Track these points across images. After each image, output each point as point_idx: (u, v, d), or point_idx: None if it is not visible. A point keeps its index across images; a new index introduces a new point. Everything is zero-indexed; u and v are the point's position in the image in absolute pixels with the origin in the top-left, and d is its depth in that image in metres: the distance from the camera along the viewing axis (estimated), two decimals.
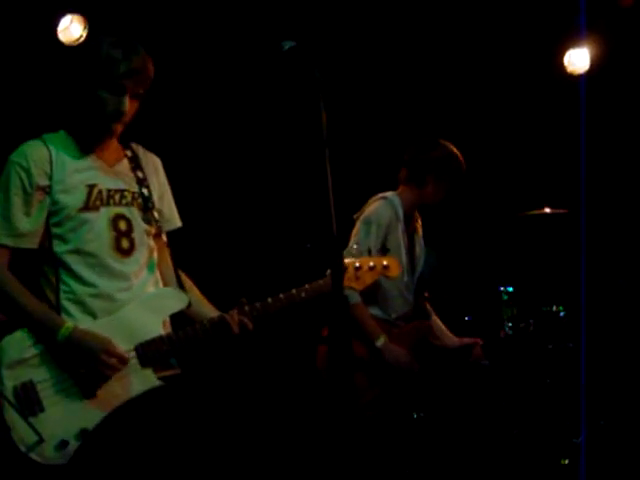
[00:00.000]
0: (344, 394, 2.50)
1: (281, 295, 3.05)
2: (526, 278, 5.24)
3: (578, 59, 5.54)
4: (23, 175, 2.89)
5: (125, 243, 2.97)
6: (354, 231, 4.22)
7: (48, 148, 2.94)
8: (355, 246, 3.94)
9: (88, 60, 2.92)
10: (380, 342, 4.12)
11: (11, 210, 2.89)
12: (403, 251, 4.23)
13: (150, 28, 4.96)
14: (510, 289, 4.94)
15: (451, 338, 4.52)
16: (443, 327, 4.54)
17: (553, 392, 4.90)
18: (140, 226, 3.01)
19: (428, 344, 4.42)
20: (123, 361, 2.87)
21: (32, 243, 2.92)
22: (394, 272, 3.25)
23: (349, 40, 5.44)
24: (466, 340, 4.53)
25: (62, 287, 2.91)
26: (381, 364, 4.12)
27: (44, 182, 2.90)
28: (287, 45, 2.66)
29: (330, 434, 3.89)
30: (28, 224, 2.90)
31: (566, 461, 4.76)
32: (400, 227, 4.23)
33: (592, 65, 5.52)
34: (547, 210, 5.09)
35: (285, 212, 5.58)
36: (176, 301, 3.02)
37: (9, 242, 2.91)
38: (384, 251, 4.11)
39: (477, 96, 5.83)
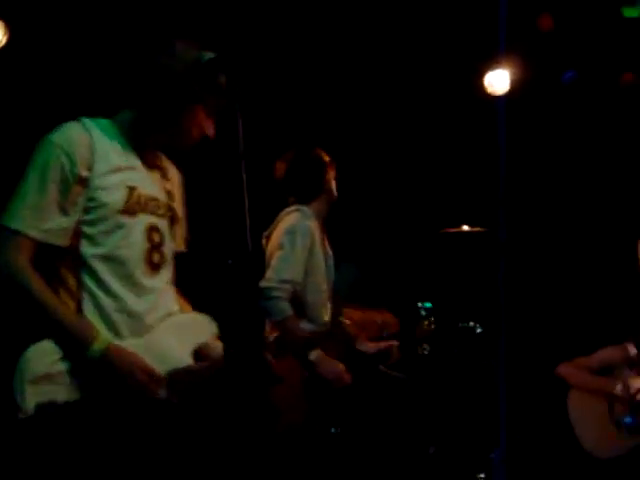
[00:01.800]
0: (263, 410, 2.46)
1: None
2: (444, 294, 5.30)
3: (498, 80, 5.65)
4: (65, 161, 2.52)
5: (156, 257, 2.68)
6: (274, 245, 4.21)
7: (90, 134, 2.59)
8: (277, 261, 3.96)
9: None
10: (314, 355, 4.10)
11: (46, 199, 2.52)
12: (322, 259, 4.24)
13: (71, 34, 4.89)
14: (428, 305, 4.98)
15: (367, 344, 4.52)
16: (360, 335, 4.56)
17: (470, 407, 4.97)
18: (169, 241, 2.75)
19: (353, 353, 4.43)
20: (161, 387, 2.56)
21: (63, 240, 2.55)
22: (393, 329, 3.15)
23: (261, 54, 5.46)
24: (382, 344, 4.54)
25: (84, 295, 2.55)
26: (315, 377, 4.10)
27: (85, 173, 2.54)
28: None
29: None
30: (63, 219, 2.54)
31: (482, 475, 4.84)
32: (318, 235, 4.25)
33: (512, 86, 5.63)
34: (465, 228, 5.17)
35: (204, 227, 5.54)
36: (207, 330, 2.80)
37: (37, 235, 2.52)
38: (309, 260, 4.12)
39: (398, 115, 5.89)
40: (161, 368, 2.60)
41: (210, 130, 2.68)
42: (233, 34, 5.07)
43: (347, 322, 4.53)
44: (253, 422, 2.54)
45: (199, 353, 2.75)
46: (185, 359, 2.68)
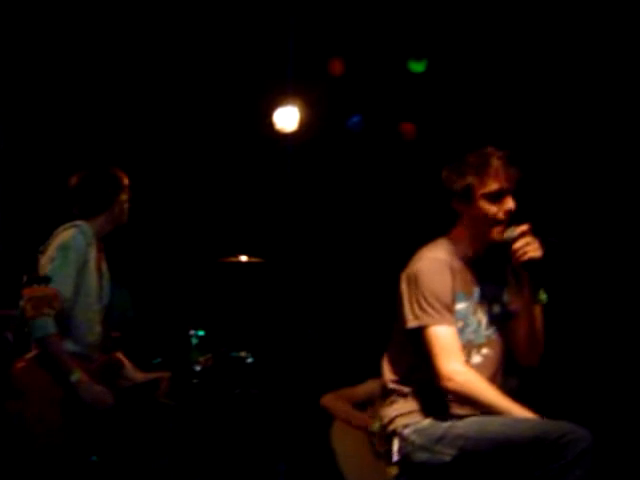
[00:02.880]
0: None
1: None
2: (218, 323, 5.29)
3: (286, 118, 5.76)
4: None
5: None
6: (46, 259, 4.06)
7: None
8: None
9: None
10: (75, 377, 3.93)
11: None
12: (96, 279, 4.13)
13: None
14: (201, 333, 4.95)
15: (137, 373, 4.43)
16: (128, 363, 4.45)
17: (236, 436, 4.98)
18: None
19: (118, 378, 4.31)
20: None
21: None
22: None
23: None
24: (152, 375, 4.46)
25: None
26: (76, 401, 3.94)
27: None
28: None
29: None
30: None
31: None
32: (93, 253, 4.14)
33: (301, 124, 5.76)
34: (243, 258, 5.20)
35: None
36: None
37: None
38: (81, 278, 3.99)
39: (185, 144, 5.86)
40: None
41: None
42: None
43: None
44: None
45: None
46: None
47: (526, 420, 2.89)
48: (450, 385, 2.95)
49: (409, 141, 5.70)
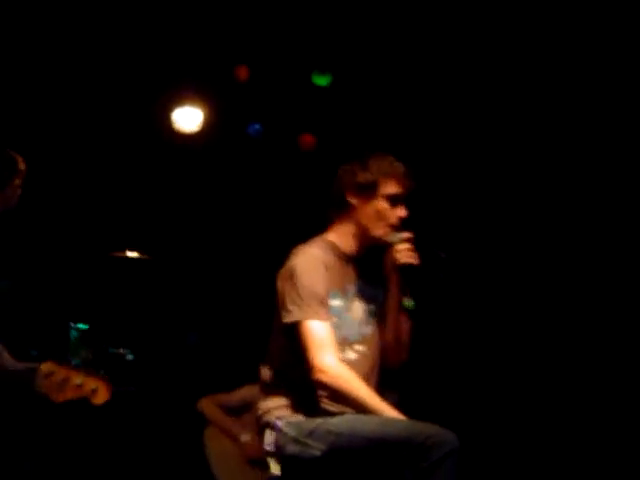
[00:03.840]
0: None
1: None
2: (101, 318, 5.22)
3: (186, 118, 5.73)
4: None
5: None
6: None
7: None
8: None
9: None
10: None
11: None
12: None
13: None
14: (83, 327, 4.88)
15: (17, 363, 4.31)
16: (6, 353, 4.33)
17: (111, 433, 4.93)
18: None
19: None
20: None
21: None
22: (99, 400, 2.98)
23: None
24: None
25: None
26: None
27: None
28: None
29: None
30: None
31: None
32: None
33: (204, 125, 5.75)
34: (131, 254, 5.15)
35: None
36: None
37: None
38: None
39: (81, 137, 5.77)
40: None
41: None
42: None
43: None
44: None
45: None
46: None
47: (396, 420, 2.94)
48: (323, 378, 2.97)
49: (307, 152, 5.75)
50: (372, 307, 3.24)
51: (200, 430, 4.72)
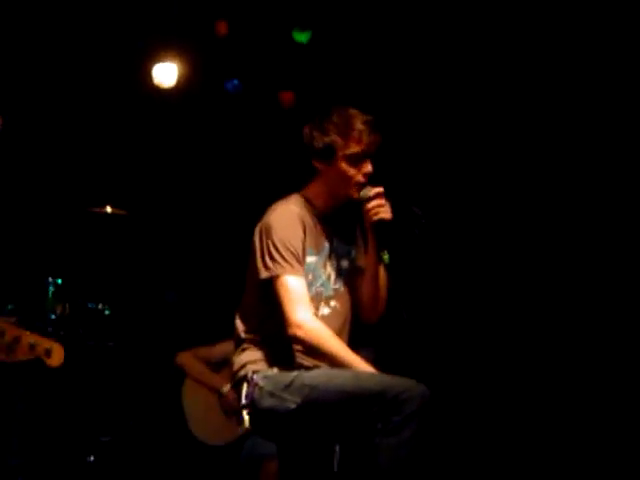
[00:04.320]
0: None
1: None
2: (77, 273, 5.21)
3: (165, 73, 5.69)
4: None
5: None
6: None
7: None
8: None
9: None
10: None
11: None
12: None
13: None
14: (59, 281, 4.86)
15: None
16: None
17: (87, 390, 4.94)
18: None
19: None
20: None
21: None
22: (54, 361, 2.96)
23: None
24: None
25: None
26: None
27: None
28: None
29: None
30: None
31: (92, 457, 4.81)
32: None
33: (179, 80, 5.70)
34: (108, 209, 5.14)
35: None
36: None
37: None
38: None
39: (59, 91, 5.71)
40: None
41: None
42: None
43: None
44: None
45: None
46: None
47: (370, 374, 2.98)
48: (298, 333, 3.01)
49: (287, 109, 5.73)
50: (345, 264, 3.28)
51: (178, 385, 4.74)
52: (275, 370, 3.08)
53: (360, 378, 2.94)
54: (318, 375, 3.01)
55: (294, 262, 3.06)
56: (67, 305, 4.87)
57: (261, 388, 3.05)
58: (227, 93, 5.84)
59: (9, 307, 4.97)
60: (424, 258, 4.61)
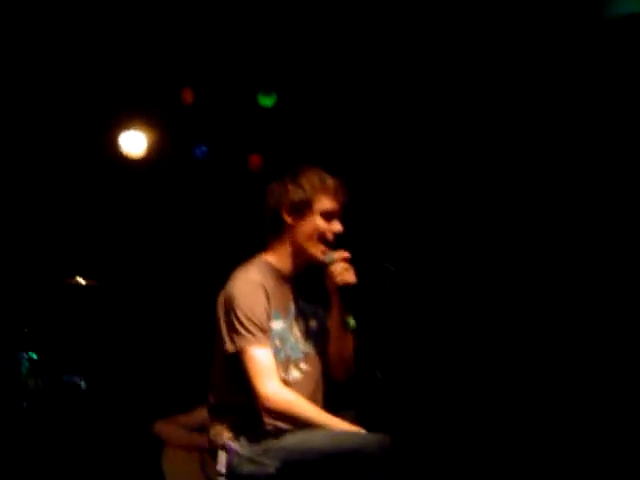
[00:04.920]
0: None
1: None
2: (52, 346, 5.16)
3: (133, 142, 5.72)
4: None
5: None
6: None
7: None
8: None
9: None
10: None
11: None
12: None
13: None
14: (33, 356, 4.82)
15: None
16: None
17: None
18: None
19: None
20: None
21: None
22: None
23: None
24: None
25: None
26: None
27: None
28: None
29: None
30: None
31: None
32: None
33: (150, 148, 5.74)
34: (80, 280, 5.12)
35: None
36: None
37: None
38: None
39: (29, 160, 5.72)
40: None
41: None
42: None
43: None
44: None
45: None
46: None
47: (346, 432, 2.97)
48: (267, 405, 2.99)
49: (255, 172, 5.76)
50: (313, 324, 3.27)
51: (157, 453, 4.68)
52: (251, 435, 3.05)
53: (336, 437, 2.93)
54: (294, 436, 2.98)
55: (258, 333, 3.04)
56: (39, 380, 4.81)
57: (239, 455, 3.02)
58: (195, 159, 5.88)
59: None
60: (396, 314, 4.61)
